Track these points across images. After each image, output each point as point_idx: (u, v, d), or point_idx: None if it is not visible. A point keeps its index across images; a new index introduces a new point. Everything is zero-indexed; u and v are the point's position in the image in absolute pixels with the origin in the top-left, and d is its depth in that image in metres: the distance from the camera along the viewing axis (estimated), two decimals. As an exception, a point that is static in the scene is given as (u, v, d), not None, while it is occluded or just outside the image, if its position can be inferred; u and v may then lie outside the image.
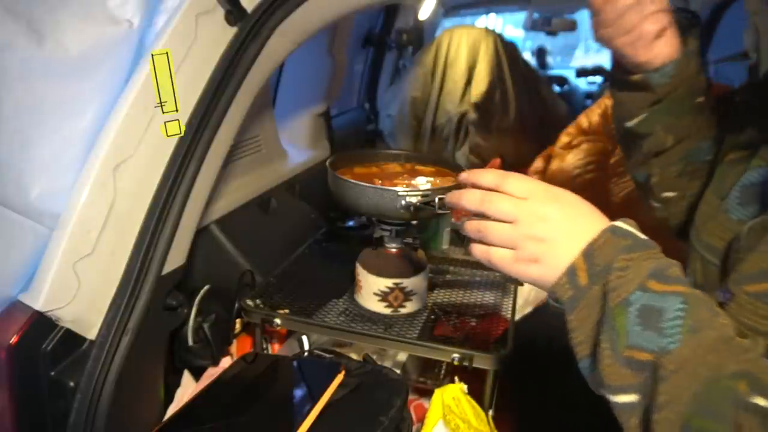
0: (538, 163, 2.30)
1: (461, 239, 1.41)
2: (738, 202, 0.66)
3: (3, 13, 0.74)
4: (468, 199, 0.61)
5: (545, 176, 2.19)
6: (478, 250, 0.61)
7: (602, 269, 0.52)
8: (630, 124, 0.80)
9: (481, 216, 0.60)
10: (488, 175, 0.60)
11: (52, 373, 0.77)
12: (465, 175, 0.63)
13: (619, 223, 0.55)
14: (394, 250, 1.07)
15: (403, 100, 2.73)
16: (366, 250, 1.09)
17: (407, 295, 1.05)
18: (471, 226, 0.61)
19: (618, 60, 0.76)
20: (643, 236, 0.54)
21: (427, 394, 1.19)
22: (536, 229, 0.55)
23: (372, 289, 1.05)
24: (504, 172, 0.59)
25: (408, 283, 1.04)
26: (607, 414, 0.92)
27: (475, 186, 0.61)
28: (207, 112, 0.87)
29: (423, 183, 1.08)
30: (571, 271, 0.54)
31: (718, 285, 0.65)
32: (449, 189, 0.94)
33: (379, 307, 1.05)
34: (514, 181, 0.58)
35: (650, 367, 0.48)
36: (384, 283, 1.04)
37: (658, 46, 0.70)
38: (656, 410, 0.46)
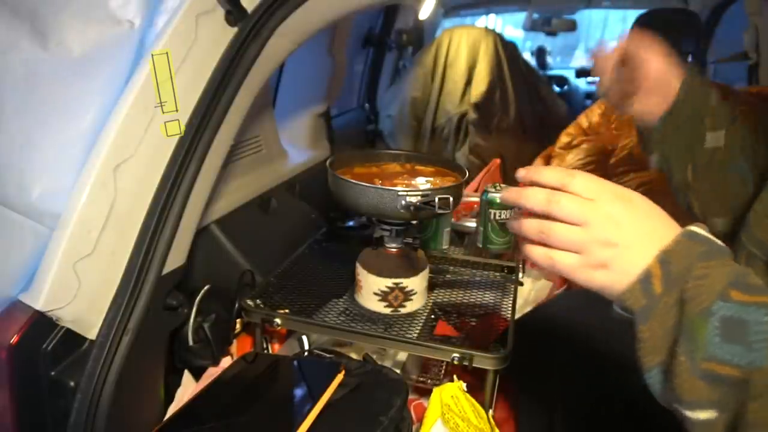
0: (537, 163, 2.30)
1: (461, 239, 1.42)
2: None
3: (7, 15, 0.74)
4: (531, 198, 0.56)
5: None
6: (537, 253, 0.56)
7: (678, 276, 0.49)
8: (653, 159, 0.82)
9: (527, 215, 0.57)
10: (552, 173, 0.56)
11: (53, 373, 0.77)
12: (524, 173, 0.59)
13: (694, 228, 0.52)
14: (394, 249, 1.07)
15: (403, 100, 2.73)
16: (366, 250, 1.10)
17: (407, 294, 1.05)
18: (531, 227, 0.57)
19: None
20: (719, 242, 0.51)
21: (427, 393, 1.19)
22: (607, 232, 0.52)
23: (372, 289, 1.05)
24: (568, 170, 0.56)
25: (408, 282, 1.04)
26: (605, 412, 0.92)
27: (535, 184, 0.57)
28: (207, 112, 0.87)
29: (423, 183, 1.08)
30: (645, 278, 0.50)
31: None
32: (449, 189, 0.94)
33: (379, 307, 1.06)
34: (582, 181, 0.54)
35: (733, 381, 0.46)
36: (384, 283, 1.04)
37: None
38: (746, 428, 0.45)
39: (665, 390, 0.51)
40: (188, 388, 1.04)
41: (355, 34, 2.56)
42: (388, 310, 1.05)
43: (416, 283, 1.05)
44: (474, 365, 0.92)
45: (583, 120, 2.22)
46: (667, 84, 0.78)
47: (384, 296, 1.05)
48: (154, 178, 0.83)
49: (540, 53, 4.00)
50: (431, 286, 1.15)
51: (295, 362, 0.93)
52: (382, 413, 0.78)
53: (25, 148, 0.75)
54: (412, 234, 1.08)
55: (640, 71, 0.79)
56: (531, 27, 3.56)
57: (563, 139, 2.27)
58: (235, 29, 0.88)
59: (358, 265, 1.07)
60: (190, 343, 1.02)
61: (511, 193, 0.59)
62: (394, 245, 1.07)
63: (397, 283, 1.04)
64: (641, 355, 0.52)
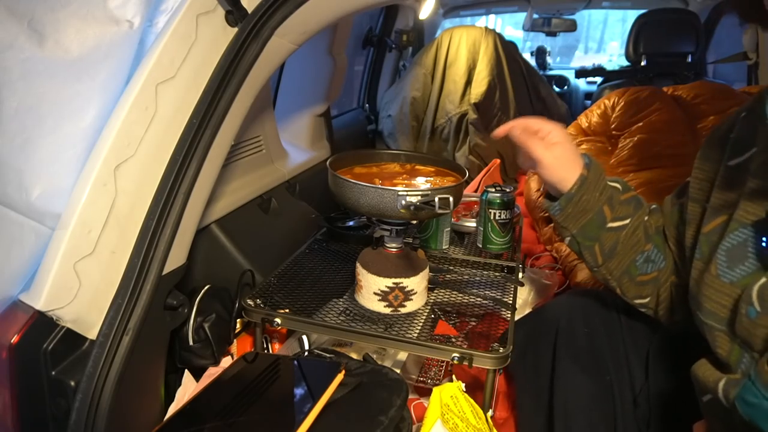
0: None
1: (461, 239, 1.42)
2: (726, 265, 0.65)
3: (4, 14, 0.74)
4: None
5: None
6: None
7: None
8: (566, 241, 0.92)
9: None
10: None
11: (53, 373, 0.77)
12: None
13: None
14: (394, 249, 1.07)
15: (403, 100, 2.73)
16: (366, 250, 1.10)
17: (407, 294, 1.05)
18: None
19: None
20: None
21: (427, 393, 1.19)
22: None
23: (372, 289, 1.05)
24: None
25: (408, 282, 1.04)
26: (604, 410, 0.92)
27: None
28: (207, 113, 0.87)
29: (423, 183, 1.08)
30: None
31: (734, 352, 0.63)
32: (449, 189, 0.94)
33: (379, 307, 1.06)
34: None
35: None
36: (384, 283, 1.04)
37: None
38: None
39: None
40: (188, 387, 1.04)
41: (355, 35, 2.56)
42: (388, 310, 1.05)
43: (416, 283, 1.06)
44: (474, 365, 0.92)
45: (583, 120, 2.22)
46: (572, 162, 0.85)
47: (384, 296, 1.05)
48: (154, 178, 0.83)
49: (540, 53, 4.01)
50: (431, 286, 1.15)
51: (296, 362, 0.93)
52: (382, 413, 0.79)
53: (25, 148, 0.75)
54: (412, 234, 1.08)
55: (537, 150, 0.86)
56: (531, 27, 3.56)
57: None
58: (235, 29, 0.88)
59: (358, 265, 1.07)
60: (191, 342, 1.02)
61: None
62: (394, 245, 1.07)
63: (397, 283, 1.04)
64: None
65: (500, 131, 0.88)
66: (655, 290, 0.89)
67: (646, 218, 0.89)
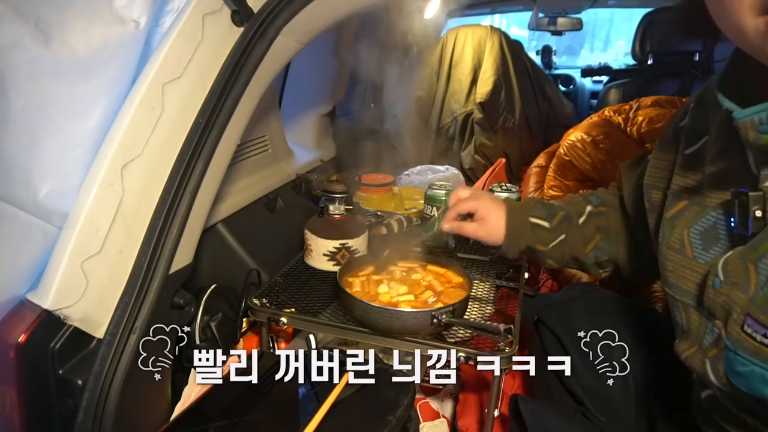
0: (540, 160, 2.30)
1: (466, 238, 1.41)
2: (702, 247, 0.68)
3: (11, 13, 0.74)
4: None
5: (546, 172, 2.19)
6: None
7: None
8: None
9: None
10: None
11: (60, 372, 0.77)
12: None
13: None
14: (337, 216, 1.20)
15: (408, 99, 2.73)
16: (313, 218, 1.21)
17: (353, 254, 1.16)
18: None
19: None
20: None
21: (433, 392, 1.19)
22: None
23: (321, 251, 1.17)
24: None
25: (352, 243, 1.19)
26: (605, 407, 0.93)
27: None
28: (214, 112, 0.87)
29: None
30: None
31: (701, 325, 0.66)
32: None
33: (329, 266, 1.19)
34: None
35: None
36: (332, 245, 1.18)
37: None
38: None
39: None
40: (195, 386, 1.04)
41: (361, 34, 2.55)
42: (336, 268, 1.12)
43: (359, 243, 1.20)
44: (479, 366, 0.91)
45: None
46: (497, 215, 1.01)
47: (332, 256, 1.18)
48: (161, 178, 0.84)
49: (545, 52, 3.99)
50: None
51: (303, 361, 0.93)
52: (390, 412, 0.78)
53: (32, 148, 0.75)
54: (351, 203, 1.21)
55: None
56: (536, 26, 3.55)
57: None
58: (241, 29, 0.88)
59: (306, 231, 1.19)
60: (197, 341, 1.02)
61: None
62: (337, 212, 1.20)
63: (343, 244, 1.18)
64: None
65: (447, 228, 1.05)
66: (611, 263, 1.01)
67: (581, 220, 1.00)
